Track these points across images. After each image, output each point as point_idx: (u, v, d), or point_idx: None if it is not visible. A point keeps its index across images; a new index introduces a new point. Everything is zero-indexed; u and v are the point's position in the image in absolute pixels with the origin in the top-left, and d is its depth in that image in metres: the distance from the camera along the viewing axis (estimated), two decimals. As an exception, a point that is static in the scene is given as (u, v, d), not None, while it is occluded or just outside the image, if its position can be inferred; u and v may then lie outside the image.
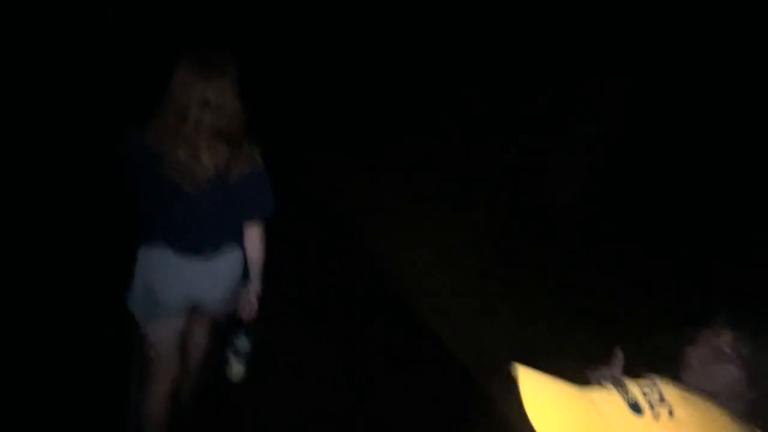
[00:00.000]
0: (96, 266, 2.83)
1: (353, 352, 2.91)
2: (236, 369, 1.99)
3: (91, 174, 3.24)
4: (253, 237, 1.90)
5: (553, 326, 3.28)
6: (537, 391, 0.63)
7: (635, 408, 0.61)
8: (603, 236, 3.97)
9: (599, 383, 1.12)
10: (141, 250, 1.89)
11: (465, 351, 3.06)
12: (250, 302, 1.99)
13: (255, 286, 1.97)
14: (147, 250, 1.87)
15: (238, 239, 1.91)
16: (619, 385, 0.64)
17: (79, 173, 3.35)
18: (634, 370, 1.34)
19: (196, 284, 1.90)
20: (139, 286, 1.90)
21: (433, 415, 2.63)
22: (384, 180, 4.33)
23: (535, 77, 4.71)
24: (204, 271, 1.88)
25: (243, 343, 1.98)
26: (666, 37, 4.03)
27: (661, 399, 0.61)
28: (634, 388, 0.63)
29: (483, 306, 3.43)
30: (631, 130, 4.27)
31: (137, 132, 1.72)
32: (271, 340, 2.65)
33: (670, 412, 0.60)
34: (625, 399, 0.62)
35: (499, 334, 3.21)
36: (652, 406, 0.61)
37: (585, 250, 3.84)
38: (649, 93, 4.16)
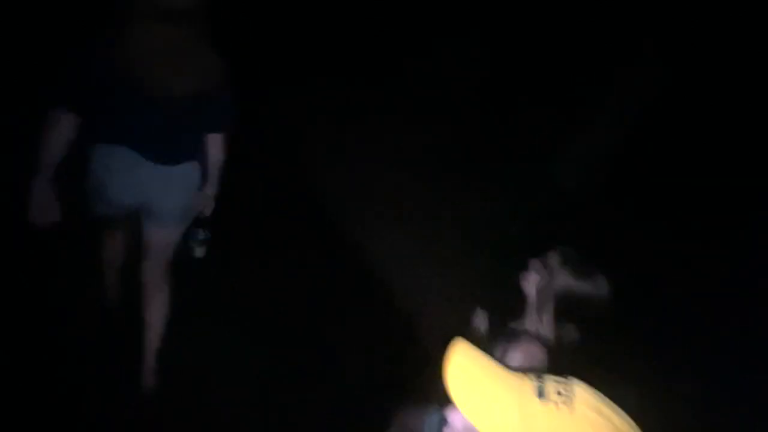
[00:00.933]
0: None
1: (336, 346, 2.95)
2: (199, 251, 2.24)
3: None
4: (215, 144, 2.01)
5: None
6: (461, 359, 0.75)
7: (541, 394, 0.71)
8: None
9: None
10: (98, 147, 1.92)
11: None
12: (207, 199, 2.13)
13: (211, 187, 2.12)
14: (105, 149, 1.91)
15: (197, 153, 1.98)
16: (539, 377, 0.74)
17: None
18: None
19: (148, 189, 1.95)
20: (91, 181, 1.98)
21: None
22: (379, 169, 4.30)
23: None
24: (158, 177, 1.93)
25: (200, 234, 2.20)
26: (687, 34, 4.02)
27: (568, 397, 0.70)
28: (550, 382, 0.73)
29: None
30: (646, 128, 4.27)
31: (109, 38, 1.71)
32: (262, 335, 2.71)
33: (572, 408, 0.69)
34: (536, 385, 0.72)
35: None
36: (558, 396, 0.70)
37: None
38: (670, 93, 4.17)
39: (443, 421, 0.77)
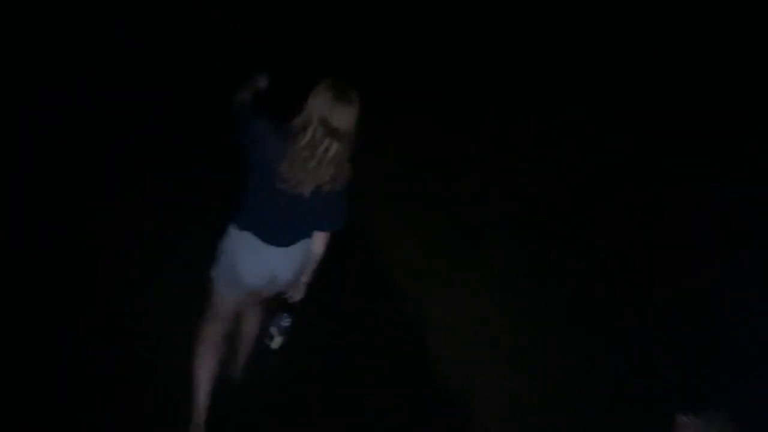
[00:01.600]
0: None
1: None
2: (277, 341, 2.33)
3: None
4: (320, 240, 2.23)
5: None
6: None
7: None
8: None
9: None
10: (231, 230, 2.17)
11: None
12: (300, 288, 2.30)
13: (307, 276, 2.29)
14: (237, 232, 2.15)
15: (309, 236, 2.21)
16: None
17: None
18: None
19: (273, 268, 2.19)
20: (224, 263, 2.20)
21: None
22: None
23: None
24: (281, 257, 2.17)
25: (286, 321, 2.30)
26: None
27: None
28: None
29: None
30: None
31: (272, 127, 1.97)
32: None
33: None
34: None
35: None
36: None
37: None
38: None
39: None
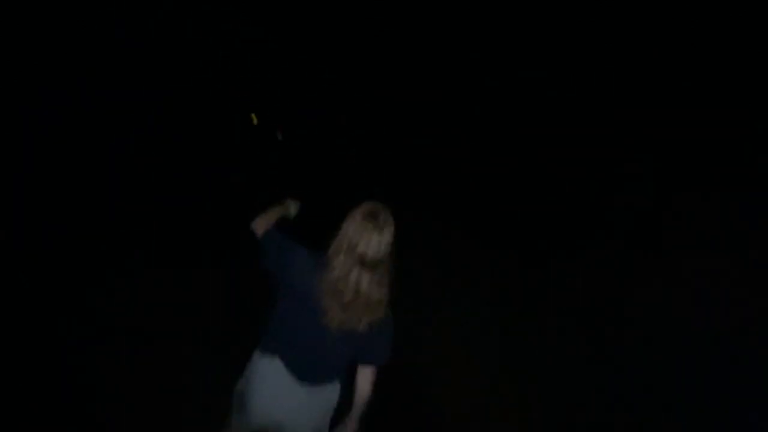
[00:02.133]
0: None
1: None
2: None
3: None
4: (366, 377, 1.98)
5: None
6: None
7: None
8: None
9: None
10: (257, 356, 1.97)
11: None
12: None
13: (353, 423, 1.99)
14: (262, 359, 1.96)
15: (343, 375, 1.99)
16: None
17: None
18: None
19: (287, 409, 1.98)
20: (241, 384, 2.00)
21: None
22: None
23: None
24: (301, 399, 1.97)
25: None
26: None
27: None
28: None
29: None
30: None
31: (308, 258, 1.84)
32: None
33: None
34: None
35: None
36: None
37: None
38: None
39: None
